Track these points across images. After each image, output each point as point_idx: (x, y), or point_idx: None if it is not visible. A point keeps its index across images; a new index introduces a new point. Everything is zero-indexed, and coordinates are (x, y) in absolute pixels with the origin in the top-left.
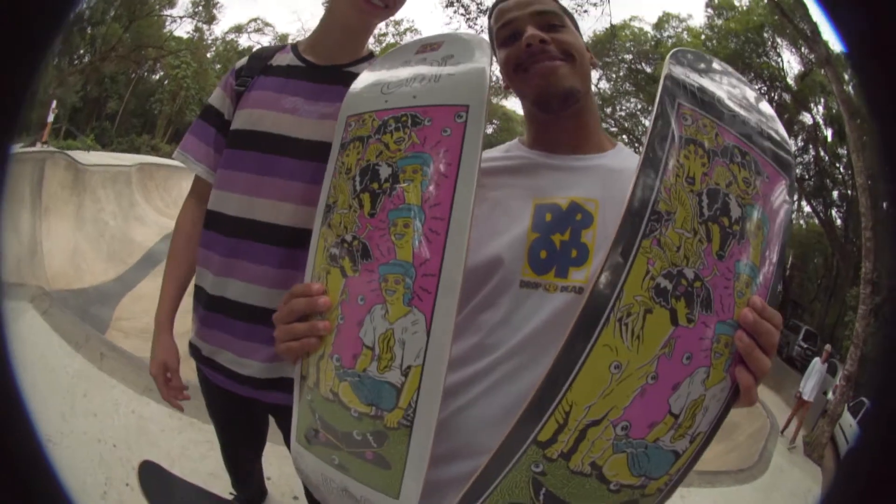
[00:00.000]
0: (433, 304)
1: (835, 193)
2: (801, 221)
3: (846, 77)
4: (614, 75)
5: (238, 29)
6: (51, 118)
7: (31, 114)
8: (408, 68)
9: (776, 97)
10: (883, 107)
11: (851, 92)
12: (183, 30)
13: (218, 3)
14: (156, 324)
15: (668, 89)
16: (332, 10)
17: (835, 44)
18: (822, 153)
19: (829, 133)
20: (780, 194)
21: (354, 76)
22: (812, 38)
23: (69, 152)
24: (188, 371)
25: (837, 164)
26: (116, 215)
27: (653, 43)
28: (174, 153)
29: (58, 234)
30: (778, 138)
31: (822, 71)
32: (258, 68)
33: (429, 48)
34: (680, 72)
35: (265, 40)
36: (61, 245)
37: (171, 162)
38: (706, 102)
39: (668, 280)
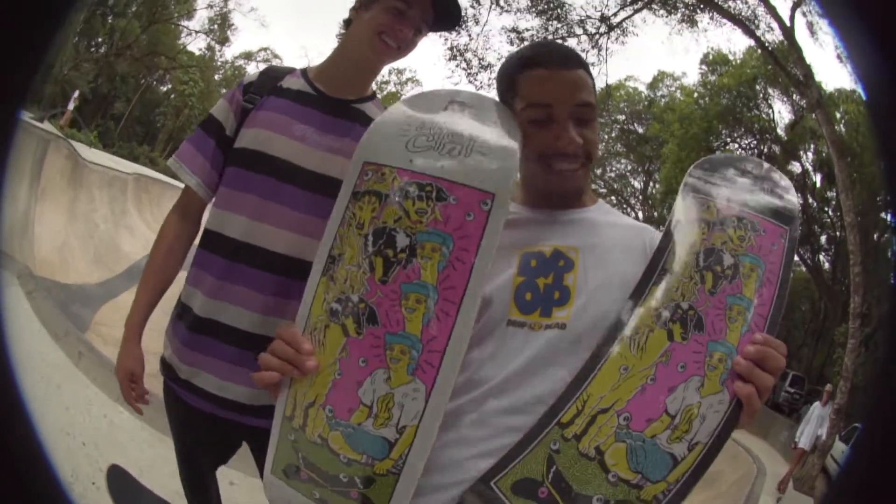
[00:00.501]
0: (435, 377)
1: (823, 238)
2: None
3: (837, 116)
4: (606, 136)
5: (248, 55)
6: (71, 106)
7: (43, 87)
8: (437, 126)
9: (766, 149)
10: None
11: (842, 130)
12: (196, 45)
13: (233, 24)
14: (126, 330)
15: (683, 194)
16: (346, 45)
17: (828, 84)
18: (809, 200)
19: (817, 179)
20: (777, 240)
21: (360, 113)
22: (804, 82)
23: (72, 142)
24: (155, 384)
25: (826, 209)
26: (108, 219)
27: (646, 103)
28: (170, 159)
29: (50, 222)
30: (780, 200)
31: (813, 115)
32: (268, 87)
33: (459, 107)
34: (697, 176)
35: None
36: (52, 234)
37: (167, 178)
38: (713, 189)
39: (668, 310)
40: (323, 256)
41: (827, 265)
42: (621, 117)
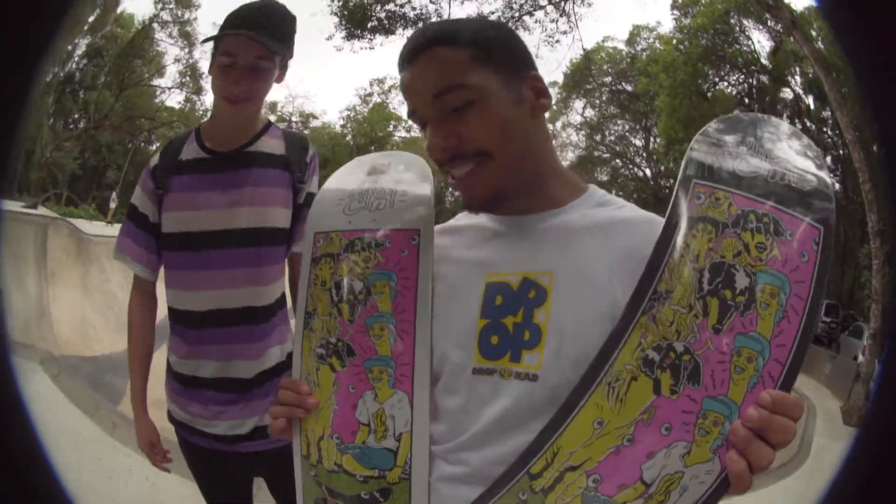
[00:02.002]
0: (412, 385)
1: (828, 159)
2: None
3: (814, 34)
4: (597, 101)
5: None
6: (113, 205)
7: (28, 175)
8: (364, 191)
9: (755, 82)
10: (859, 53)
11: (822, 48)
12: (174, 100)
13: (203, 73)
14: (133, 408)
15: (685, 174)
16: (216, 107)
17: (797, 4)
18: (808, 124)
19: (810, 101)
20: (809, 247)
21: (253, 155)
22: (775, 5)
23: (71, 220)
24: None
25: (825, 129)
26: (123, 286)
27: (628, 60)
28: (113, 252)
29: (65, 302)
30: (812, 181)
31: (791, 38)
32: (171, 166)
33: (379, 169)
34: (701, 149)
35: None
36: (69, 312)
37: None
38: (724, 172)
39: (657, 352)
40: (301, 315)
41: (838, 186)
42: (608, 79)
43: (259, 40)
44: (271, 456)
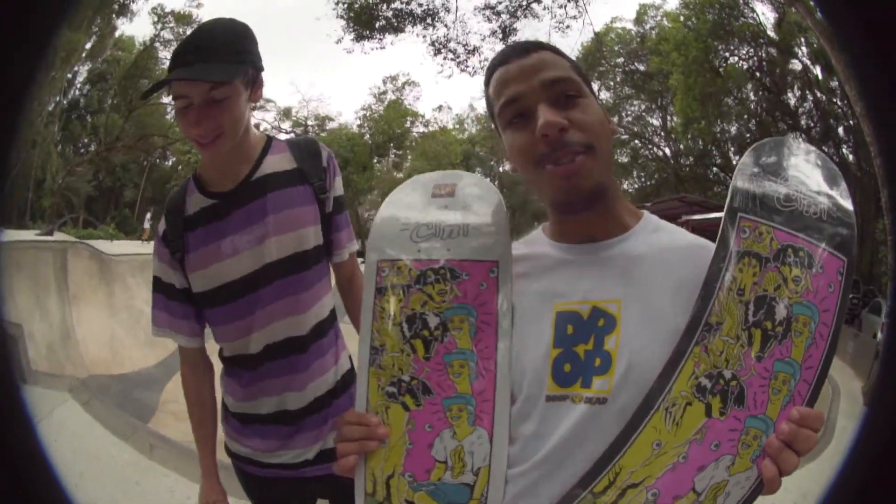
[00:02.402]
0: (492, 422)
1: (840, 130)
2: None
3: (813, 4)
4: (612, 83)
5: None
6: (148, 225)
7: (41, 202)
8: (431, 213)
9: (763, 55)
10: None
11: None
12: None
13: None
14: (202, 471)
15: (731, 206)
16: None
17: None
18: (818, 94)
19: (818, 71)
20: (835, 278)
21: (261, 182)
22: None
23: (91, 242)
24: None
25: (834, 99)
26: (150, 302)
27: (638, 39)
28: (152, 330)
29: (91, 322)
30: (837, 213)
31: (793, 9)
32: (179, 226)
33: (444, 192)
34: (744, 180)
35: (269, 117)
36: (96, 332)
37: None
38: (766, 205)
39: (709, 380)
40: (365, 351)
41: (851, 157)
42: (620, 60)
43: (198, 78)
44: (336, 477)
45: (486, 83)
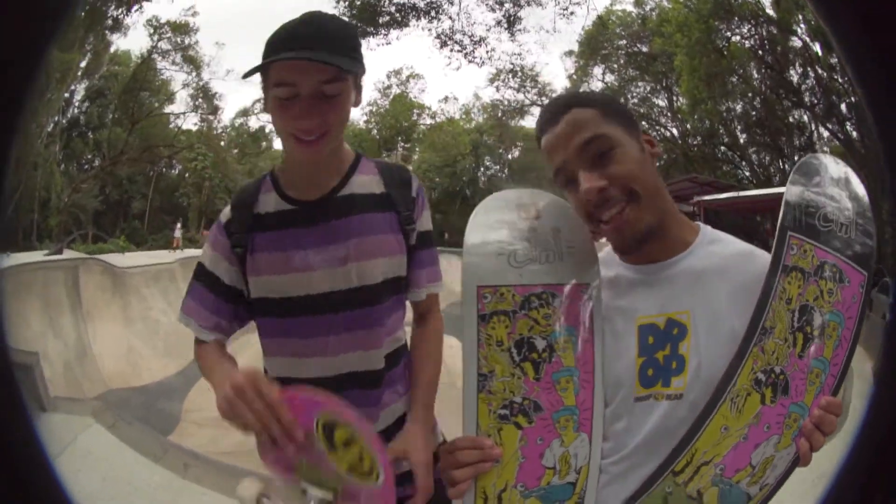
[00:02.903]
0: (591, 426)
1: (843, 107)
2: (825, 148)
3: None
4: (615, 65)
5: (245, 112)
6: (178, 234)
7: (47, 221)
8: (522, 236)
9: (764, 33)
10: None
11: None
12: (190, 122)
13: (216, 93)
14: (213, 379)
15: (783, 224)
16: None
17: None
18: (819, 71)
19: (817, 47)
20: (857, 291)
21: (349, 200)
22: None
23: (101, 256)
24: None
25: (835, 76)
26: (167, 312)
27: (639, 21)
28: (179, 315)
29: (107, 337)
30: (862, 232)
31: None
32: (248, 222)
33: (531, 214)
34: (793, 200)
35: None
36: (113, 346)
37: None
38: (809, 225)
39: (764, 374)
40: (472, 377)
41: (855, 133)
42: (622, 42)
43: (322, 60)
44: (403, 500)
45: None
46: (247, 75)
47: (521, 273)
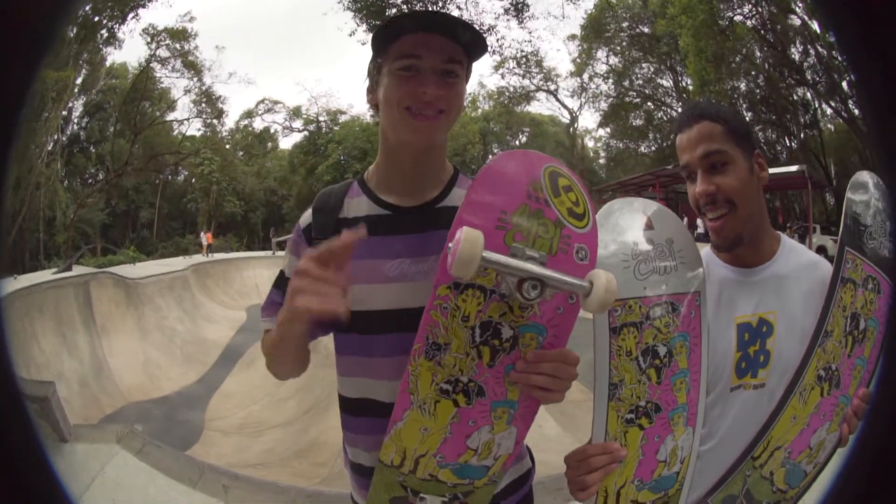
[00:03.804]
0: (696, 419)
1: (844, 85)
2: (829, 126)
3: None
4: (618, 47)
5: (249, 114)
6: (205, 241)
7: (55, 239)
8: (643, 248)
9: (764, 12)
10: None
11: None
12: (194, 128)
13: (220, 96)
14: (278, 326)
15: (842, 240)
16: (385, 137)
17: None
18: (819, 49)
19: (815, 26)
20: (889, 298)
21: (449, 214)
22: None
23: (112, 269)
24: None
25: (834, 53)
26: (183, 320)
27: (641, 3)
28: (261, 322)
29: (122, 350)
30: (893, 246)
31: None
32: (331, 226)
33: (646, 225)
34: (849, 216)
35: (279, 118)
36: (129, 359)
37: (225, 256)
38: (859, 240)
39: (824, 371)
40: (603, 387)
41: (857, 111)
42: (625, 24)
43: (468, 39)
44: None
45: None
46: (378, 35)
47: (645, 285)
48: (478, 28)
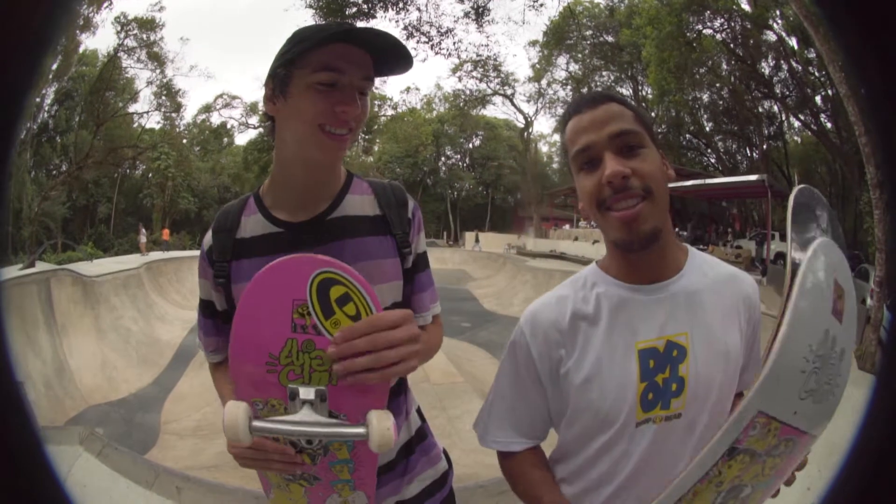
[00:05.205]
0: None
1: (818, 99)
2: (796, 138)
3: None
4: (580, 55)
5: (207, 108)
6: (143, 240)
7: (20, 232)
8: (827, 362)
9: (738, 27)
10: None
11: None
12: (153, 121)
13: (179, 89)
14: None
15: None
16: (282, 151)
17: None
18: (793, 65)
19: (793, 42)
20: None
21: (344, 221)
22: None
23: (71, 266)
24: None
25: (811, 69)
26: (137, 319)
27: (607, 12)
28: (203, 350)
29: (82, 350)
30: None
31: None
32: (229, 248)
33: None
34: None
35: (236, 113)
36: (88, 360)
37: (177, 254)
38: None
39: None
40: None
41: (829, 125)
42: (588, 33)
43: (406, 57)
44: None
45: (562, 129)
46: (296, 51)
47: (796, 409)
48: (404, 43)
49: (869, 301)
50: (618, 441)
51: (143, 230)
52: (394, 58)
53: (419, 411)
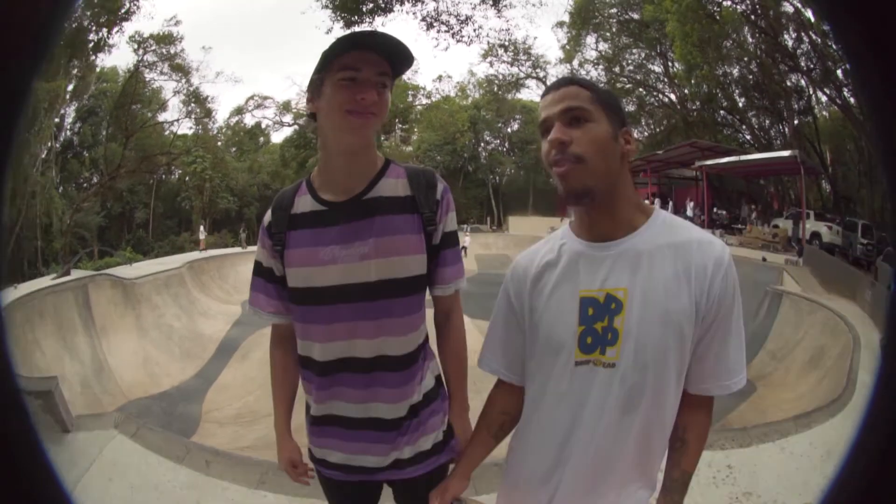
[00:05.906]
0: None
1: (839, 73)
2: (824, 113)
3: None
4: (608, 34)
5: (239, 111)
6: (202, 236)
7: (52, 245)
8: None
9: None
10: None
11: None
12: (185, 127)
13: (208, 96)
14: (276, 433)
15: None
16: (324, 140)
17: None
18: (813, 37)
19: (809, 13)
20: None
21: (375, 202)
22: None
23: (110, 271)
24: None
25: (828, 41)
26: (180, 316)
27: None
28: (248, 308)
29: (122, 349)
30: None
31: None
32: (284, 222)
33: None
34: None
35: (269, 113)
36: (129, 358)
37: (218, 252)
38: None
39: None
40: None
41: (853, 100)
42: (613, 10)
43: (406, 57)
44: (403, 483)
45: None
46: (326, 58)
47: None
48: (406, 46)
49: (893, 286)
50: (561, 378)
51: (203, 228)
52: (397, 56)
53: (439, 378)
